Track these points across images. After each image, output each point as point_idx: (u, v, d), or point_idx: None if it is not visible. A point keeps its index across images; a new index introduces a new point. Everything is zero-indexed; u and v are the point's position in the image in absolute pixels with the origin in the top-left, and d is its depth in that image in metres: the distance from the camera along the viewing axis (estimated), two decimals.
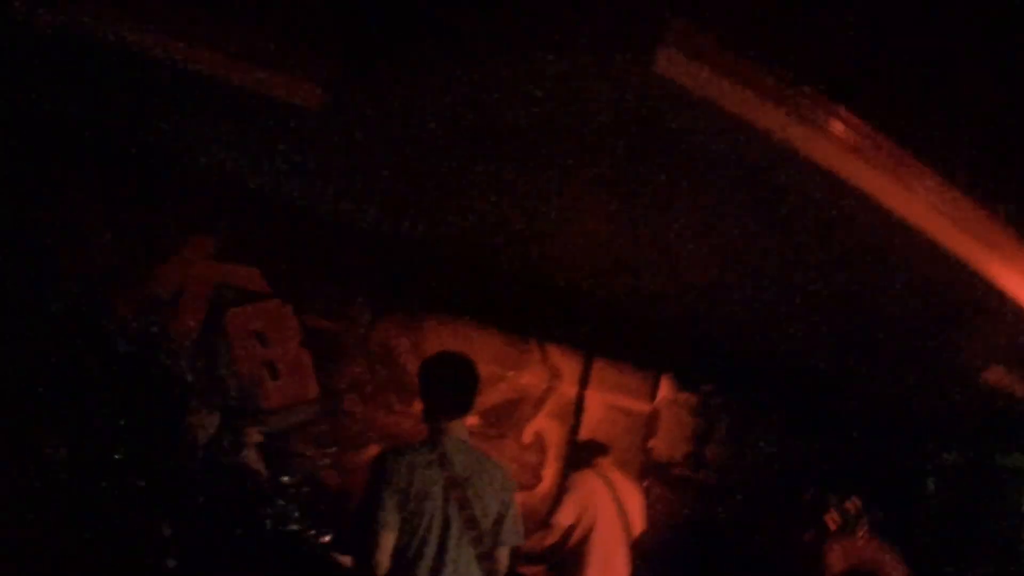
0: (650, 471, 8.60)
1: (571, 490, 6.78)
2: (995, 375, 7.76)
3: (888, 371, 8.19)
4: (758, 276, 7.04)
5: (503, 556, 4.26)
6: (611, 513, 6.68)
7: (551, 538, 6.62)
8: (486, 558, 4.18)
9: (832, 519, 6.59)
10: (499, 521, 4.20)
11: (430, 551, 4.02)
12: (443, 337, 8.15)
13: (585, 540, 6.60)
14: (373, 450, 7.73)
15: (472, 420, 7.97)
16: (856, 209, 5.68)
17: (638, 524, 6.87)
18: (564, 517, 6.61)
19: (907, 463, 9.28)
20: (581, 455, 7.20)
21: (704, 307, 7.91)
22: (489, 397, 8.09)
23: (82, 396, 6.26)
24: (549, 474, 8.49)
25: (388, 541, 3.97)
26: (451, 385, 4.35)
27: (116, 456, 5.93)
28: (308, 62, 5.55)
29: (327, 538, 6.53)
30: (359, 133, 5.96)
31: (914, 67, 4.81)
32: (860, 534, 6.62)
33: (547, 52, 4.90)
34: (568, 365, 8.74)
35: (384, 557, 3.96)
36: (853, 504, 6.72)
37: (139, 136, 6.39)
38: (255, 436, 6.63)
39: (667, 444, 8.77)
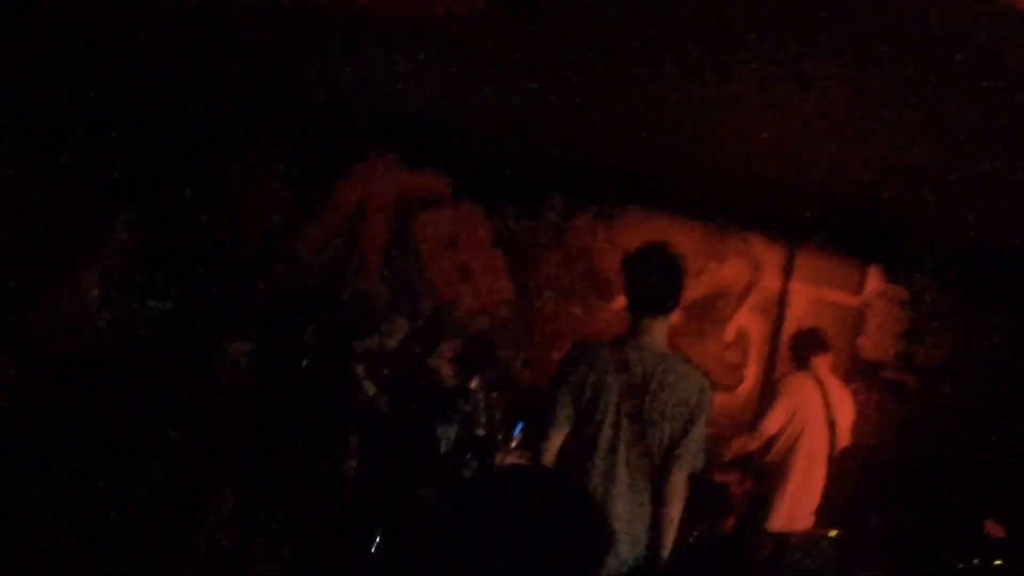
0: (857, 372, 8.09)
1: (782, 395, 6.20)
2: None
3: None
4: (978, 151, 6.37)
5: (678, 480, 3.83)
6: (820, 423, 6.16)
7: (754, 444, 6.17)
8: (659, 477, 3.83)
9: None
10: (676, 438, 3.83)
11: (600, 458, 3.78)
12: (640, 231, 7.84)
13: (790, 450, 6.12)
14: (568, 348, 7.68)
15: (673, 318, 7.86)
16: None
17: (844, 437, 6.35)
18: (771, 424, 6.11)
19: None
20: (797, 352, 6.53)
21: (918, 191, 7.36)
22: (690, 292, 7.80)
23: (271, 310, 6.42)
24: (751, 374, 8.20)
25: (556, 438, 3.81)
26: (652, 280, 3.97)
27: (303, 363, 6.03)
28: None
29: (516, 440, 6.47)
30: (528, 35, 5.68)
31: None
32: None
33: None
34: (771, 256, 8.36)
35: (549, 456, 3.80)
36: None
37: (311, 78, 6.36)
38: (447, 350, 6.61)
39: (875, 343, 8.29)
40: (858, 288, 8.48)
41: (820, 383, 6.27)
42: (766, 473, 6.23)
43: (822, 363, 6.39)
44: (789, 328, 7.96)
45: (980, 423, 7.42)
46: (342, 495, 5.97)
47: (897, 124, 6.10)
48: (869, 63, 5.32)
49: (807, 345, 6.48)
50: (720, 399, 6.22)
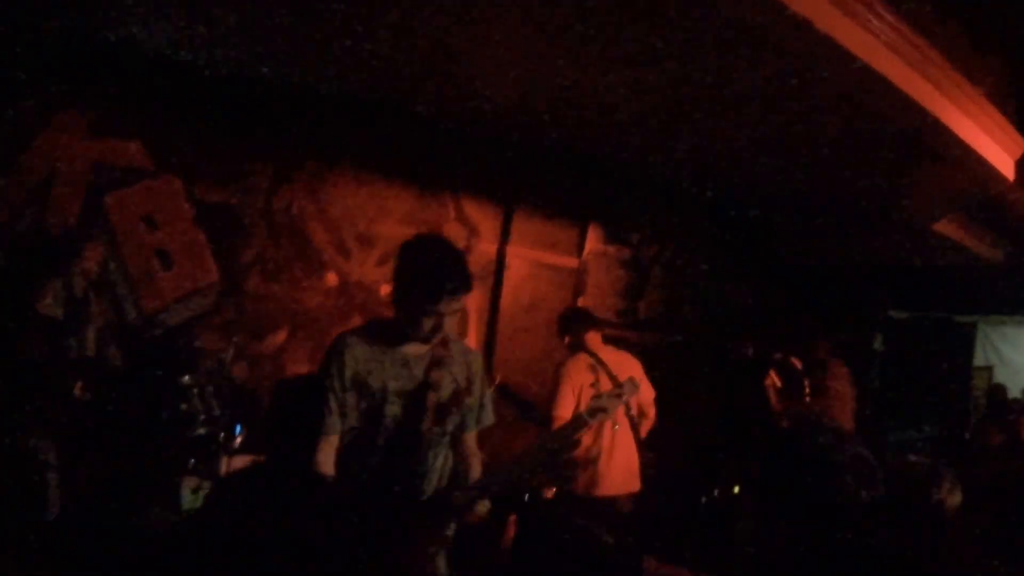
0: None
1: (562, 379, 6.15)
2: (946, 227, 7.45)
3: (839, 221, 7.82)
4: (690, 111, 6.42)
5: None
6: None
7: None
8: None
9: (776, 376, 6.32)
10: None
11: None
12: (351, 198, 7.47)
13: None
14: (281, 335, 7.14)
15: (385, 289, 7.52)
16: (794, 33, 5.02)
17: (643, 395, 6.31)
18: (562, 410, 6.00)
19: (856, 318, 9.06)
20: (568, 334, 6.42)
21: (633, 150, 7.37)
22: None
23: None
24: (472, 339, 7.97)
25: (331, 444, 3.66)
26: (445, 267, 3.55)
27: None
28: None
29: (238, 440, 6.01)
30: None
31: None
32: (806, 392, 6.40)
33: None
34: (486, 220, 8.18)
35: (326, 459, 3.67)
36: (796, 362, 6.46)
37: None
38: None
39: (598, 301, 8.31)
40: (578, 249, 8.46)
41: (598, 359, 6.24)
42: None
43: (594, 338, 6.38)
44: (508, 292, 7.85)
45: (701, 365, 7.68)
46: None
47: (612, 75, 5.93)
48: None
49: (575, 324, 6.45)
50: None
